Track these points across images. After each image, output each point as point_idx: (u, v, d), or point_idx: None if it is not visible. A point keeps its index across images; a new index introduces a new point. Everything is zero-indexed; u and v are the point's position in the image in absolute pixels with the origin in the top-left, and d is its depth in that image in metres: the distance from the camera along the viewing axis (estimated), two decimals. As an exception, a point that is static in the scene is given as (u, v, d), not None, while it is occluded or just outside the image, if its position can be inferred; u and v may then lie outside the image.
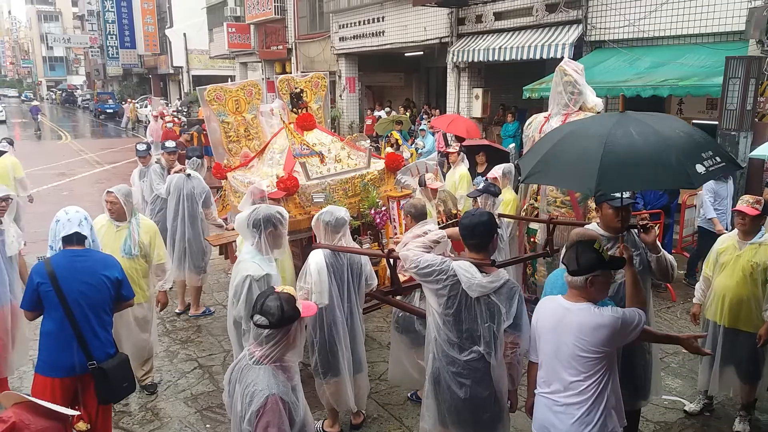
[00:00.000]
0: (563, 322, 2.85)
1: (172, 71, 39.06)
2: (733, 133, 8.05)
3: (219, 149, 5.89)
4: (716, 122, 8.55)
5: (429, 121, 16.14)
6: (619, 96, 10.95)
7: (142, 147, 7.74)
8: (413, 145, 14.03)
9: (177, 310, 6.80)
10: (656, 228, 7.09)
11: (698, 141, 2.97)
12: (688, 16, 10.38)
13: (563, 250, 2.95)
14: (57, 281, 3.48)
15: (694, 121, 11.56)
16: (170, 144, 7.47)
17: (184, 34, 35.45)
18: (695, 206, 8.58)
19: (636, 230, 3.63)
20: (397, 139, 11.87)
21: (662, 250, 3.62)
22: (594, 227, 3.77)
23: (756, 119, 8.18)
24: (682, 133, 2.95)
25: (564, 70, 5.97)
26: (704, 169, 2.81)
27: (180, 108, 26.40)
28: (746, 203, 4.26)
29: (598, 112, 5.94)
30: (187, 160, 6.76)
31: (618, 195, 3.50)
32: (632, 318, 2.84)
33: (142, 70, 47.08)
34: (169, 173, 7.02)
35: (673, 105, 11.70)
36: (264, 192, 4.76)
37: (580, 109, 5.94)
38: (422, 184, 6.15)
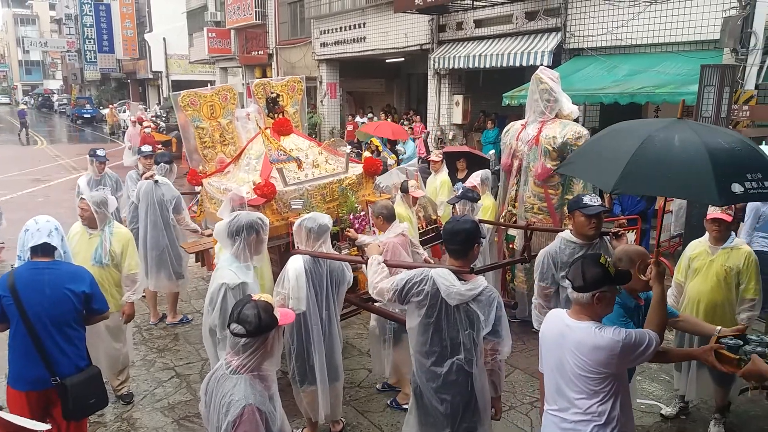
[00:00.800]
0: (564, 339, 2.77)
1: (151, 76, 38.71)
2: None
3: (194, 155, 5.81)
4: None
5: (411, 128, 16.19)
6: (598, 104, 11.09)
7: (102, 152, 7.44)
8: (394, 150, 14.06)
9: (151, 321, 6.69)
10: (633, 233, 7.16)
11: (745, 159, 2.82)
12: (664, 25, 10.54)
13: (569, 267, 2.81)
14: (17, 294, 3.37)
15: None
16: (146, 148, 7.36)
17: (164, 39, 35.15)
18: (671, 212, 8.70)
19: (608, 237, 3.65)
20: (377, 146, 11.87)
21: None
22: (567, 234, 3.79)
23: (730, 126, 8.31)
24: (729, 147, 2.80)
25: (540, 78, 6.02)
26: (742, 189, 2.66)
27: (159, 113, 26.15)
28: (720, 210, 4.31)
29: (575, 120, 6.00)
30: (155, 166, 6.67)
31: (590, 203, 3.52)
32: (640, 341, 2.69)
33: (120, 75, 46.60)
34: None
35: (650, 112, 11.86)
36: (243, 199, 4.71)
37: (557, 116, 6.00)
38: (405, 190, 6.14)
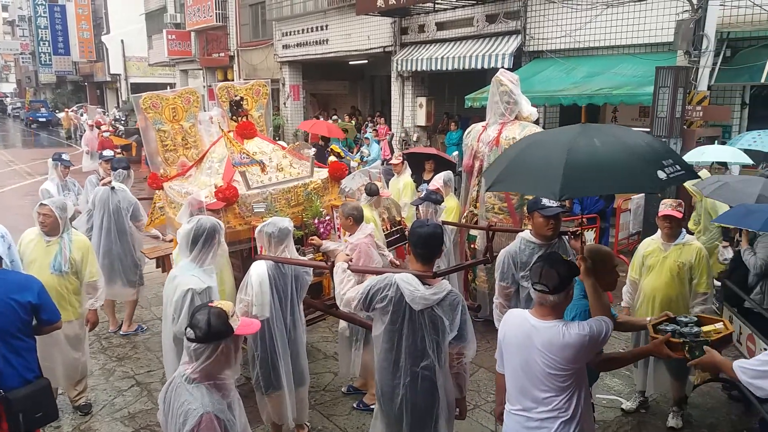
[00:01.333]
0: (531, 340, 2.80)
1: (109, 79, 37.90)
2: (663, 139, 8.38)
3: (155, 159, 5.72)
4: (648, 129, 8.89)
5: (375, 130, 16.22)
6: (557, 105, 11.29)
7: (67, 156, 7.29)
8: (359, 154, 14.06)
9: (110, 330, 6.55)
10: (593, 232, 7.31)
11: (658, 150, 3.07)
12: (620, 28, 10.80)
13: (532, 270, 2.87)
14: None
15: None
16: (108, 153, 7.21)
17: (122, 41, 34.46)
18: (630, 210, 8.92)
19: (566, 237, 3.72)
20: (338, 153, 11.81)
21: None
22: (527, 234, 3.85)
23: (685, 126, 8.56)
24: (643, 143, 3.04)
25: (500, 80, 6.10)
26: (665, 175, 2.88)
27: (118, 116, 25.61)
28: (670, 207, 4.44)
29: (534, 121, 6.09)
30: (112, 172, 6.53)
31: (549, 204, 3.59)
32: (599, 330, 2.78)
33: (77, 78, 45.47)
34: None
35: (608, 113, 12.14)
36: (202, 203, 4.65)
37: (516, 118, 6.09)
38: (371, 192, 6.14)
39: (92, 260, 4.76)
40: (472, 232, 6.62)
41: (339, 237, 5.49)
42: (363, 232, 4.82)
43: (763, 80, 8.80)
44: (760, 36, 9.39)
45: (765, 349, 4.12)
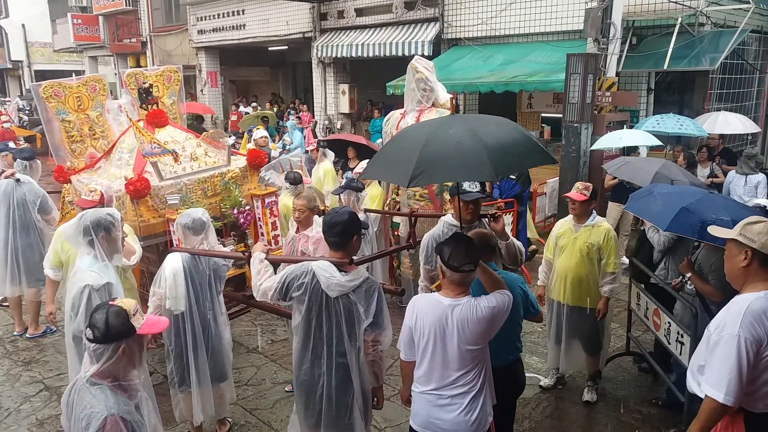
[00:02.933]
0: (446, 320, 2.87)
1: (10, 66, 35.38)
2: (575, 125, 8.71)
3: (60, 151, 5.39)
4: (561, 115, 9.22)
5: (298, 117, 15.99)
6: (476, 92, 11.48)
7: None
8: (281, 141, 13.82)
9: (15, 332, 6.16)
10: (510, 215, 7.51)
11: (512, 139, 3.10)
12: (533, 16, 11.11)
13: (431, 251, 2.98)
14: None
15: (543, 115, 12.43)
16: (1, 144, 6.74)
17: (23, 25, 32.25)
18: (545, 194, 9.24)
19: (486, 219, 3.81)
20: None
21: (510, 237, 3.82)
22: (449, 218, 3.91)
23: (595, 112, 8.92)
24: (499, 130, 3.10)
25: (415, 67, 6.14)
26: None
27: (21, 106, 24.01)
28: (576, 190, 4.62)
29: (449, 108, 6.18)
30: (14, 163, 6.13)
31: (469, 189, 3.66)
32: (503, 301, 2.94)
33: (-26, 65, 42.26)
34: None
35: (524, 100, 12.50)
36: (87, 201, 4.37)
37: (433, 105, 6.15)
38: (294, 181, 6.03)
39: None
40: (396, 219, 6.66)
41: (260, 228, 5.38)
42: (317, 223, 4.62)
43: (666, 67, 9.31)
44: (663, 24, 9.92)
45: (669, 323, 4.37)
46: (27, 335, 6.10)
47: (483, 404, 2.98)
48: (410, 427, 3.11)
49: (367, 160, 6.74)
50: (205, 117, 17.65)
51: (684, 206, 3.72)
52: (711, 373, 2.53)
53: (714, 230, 2.87)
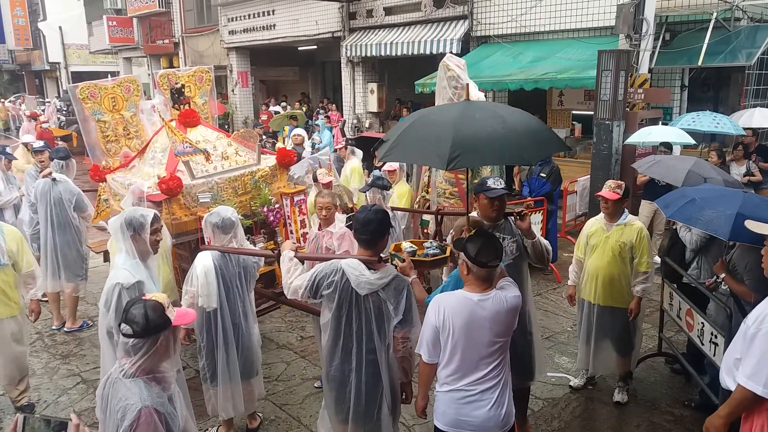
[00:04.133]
0: (477, 316, 2.89)
1: (48, 67, 36.34)
2: (607, 122, 8.60)
3: (96, 150, 5.53)
4: (592, 112, 9.10)
5: (327, 117, 16.08)
6: (505, 90, 11.41)
7: (10, 149, 7.14)
8: (310, 140, 13.92)
9: (54, 326, 6.34)
10: (540, 214, 7.45)
11: (535, 126, 3.32)
12: (564, 12, 10.98)
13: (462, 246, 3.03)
14: None
15: (573, 112, 12.28)
16: (38, 144, 6.94)
17: (60, 28, 33.03)
18: (576, 193, 9.13)
19: (512, 218, 3.79)
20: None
21: (537, 235, 3.80)
22: (473, 216, 3.90)
23: (627, 109, 8.79)
24: (523, 118, 3.31)
25: (447, 65, 6.13)
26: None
27: (59, 106, 24.64)
28: (608, 188, 4.55)
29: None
30: (51, 163, 6.31)
31: (494, 186, 3.64)
32: (518, 291, 3.06)
33: (13, 67, 43.37)
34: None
35: (554, 97, 12.35)
36: (143, 192, 4.52)
37: (464, 102, 6.11)
38: (315, 179, 6.10)
39: (27, 249, 4.63)
40: (425, 217, 6.67)
41: (290, 225, 5.44)
42: (340, 220, 4.72)
43: (700, 63, 9.11)
44: (697, 20, 9.71)
45: (703, 324, 4.29)
46: (65, 329, 6.28)
47: (509, 398, 3.05)
48: (435, 427, 3.10)
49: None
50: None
51: (739, 212, 3.62)
52: (747, 365, 2.54)
53: (751, 225, 2.84)
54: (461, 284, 3.10)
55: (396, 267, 3.32)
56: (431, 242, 4.39)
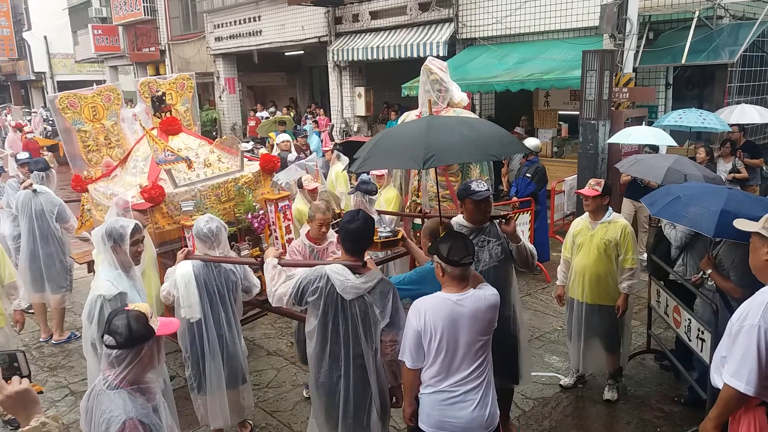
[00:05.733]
0: (458, 316, 2.91)
1: (33, 77, 36.06)
2: (592, 121, 8.61)
3: (77, 160, 5.48)
4: (578, 112, 9.12)
5: (315, 122, 16.05)
6: (491, 91, 11.41)
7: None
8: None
9: (41, 338, 6.28)
10: (528, 215, 7.46)
11: (499, 131, 3.67)
12: (548, 13, 11.02)
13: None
14: None
15: (560, 112, 12.32)
16: (22, 156, 6.88)
17: (45, 37, 32.86)
18: (563, 192, 9.15)
19: (498, 221, 3.78)
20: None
21: (522, 239, 3.79)
22: (459, 219, 3.90)
23: (613, 108, 8.81)
24: (487, 124, 3.79)
25: (429, 68, 6.13)
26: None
27: (45, 116, 24.47)
28: (588, 186, 4.59)
29: (464, 107, 6.15)
30: (31, 174, 6.25)
31: (478, 189, 3.65)
32: (494, 290, 3.10)
33: (-1, 77, 43.16)
34: None
35: (541, 98, 12.39)
36: (128, 203, 4.48)
37: (448, 105, 6.12)
38: (300, 185, 6.08)
39: (7, 261, 4.63)
40: (417, 220, 6.66)
41: (274, 232, 5.40)
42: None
43: (684, 61, 9.17)
44: (680, 18, 9.77)
45: (690, 320, 4.30)
46: (52, 341, 6.22)
47: (492, 398, 3.05)
48: (420, 429, 3.08)
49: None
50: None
51: (723, 208, 3.63)
52: (732, 362, 2.55)
53: (739, 223, 2.86)
54: (425, 280, 3.24)
55: None
56: (384, 226, 4.59)
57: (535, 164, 7.91)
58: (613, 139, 7.89)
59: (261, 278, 5.17)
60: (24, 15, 36.45)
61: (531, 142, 8.44)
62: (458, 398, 2.95)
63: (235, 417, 4.27)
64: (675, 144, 7.82)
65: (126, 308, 2.36)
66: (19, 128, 16.34)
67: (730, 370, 2.54)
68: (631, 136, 7.65)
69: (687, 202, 3.90)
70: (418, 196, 6.60)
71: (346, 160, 8.05)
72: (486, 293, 3.00)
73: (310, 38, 16.08)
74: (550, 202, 8.85)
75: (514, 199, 7.65)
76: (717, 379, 2.66)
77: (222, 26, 19.02)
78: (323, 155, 9.16)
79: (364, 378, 3.20)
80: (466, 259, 2.92)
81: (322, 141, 14.07)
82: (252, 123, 17.89)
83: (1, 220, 6.77)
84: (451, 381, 2.96)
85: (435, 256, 3.01)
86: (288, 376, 5.37)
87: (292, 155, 10.16)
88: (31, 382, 1.87)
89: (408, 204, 6.73)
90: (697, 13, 9.22)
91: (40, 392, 1.93)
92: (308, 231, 4.58)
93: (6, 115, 28.55)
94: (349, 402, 3.21)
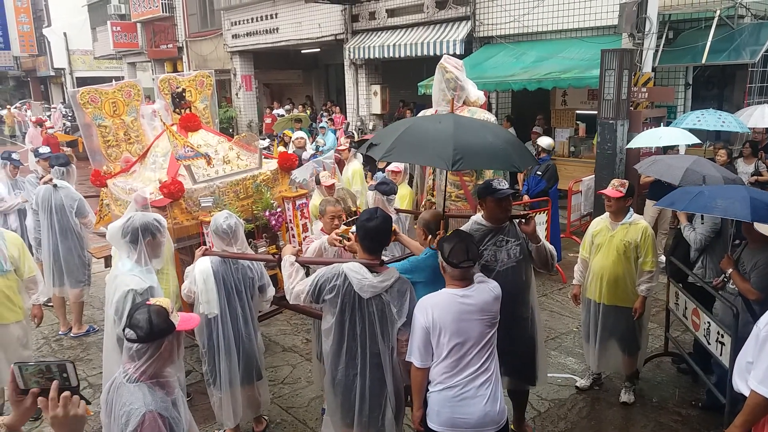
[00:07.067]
0: (466, 312, 2.94)
1: (53, 73, 36.51)
2: (611, 121, 8.55)
3: (96, 155, 5.54)
4: (596, 112, 9.05)
5: (330, 119, 16.07)
6: (508, 90, 11.36)
7: (17, 156, 7.18)
8: (314, 143, 13.91)
9: (60, 332, 6.36)
10: (545, 214, 7.41)
11: (516, 141, 3.85)
12: (567, 12, 10.94)
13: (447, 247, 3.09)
14: None
15: (577, 112, 12.24)
16: (44, 150, 6.95)
17: (65, 34, 33.22)
18: (581, 192, 9.09)
19: (518, 221, 3.76)
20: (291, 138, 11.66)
21: (542, 240, 3.77)
22: (478, 217, 3.88)
23: (631, 108, 8.73)
24: (506, 133, 3.90)
25: (444, 67, 6.09)
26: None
27: (64, 112, 24.75)
28: (612, 187, 4.54)
29: (481, 106, 6.12)
30: (51, 169, 6.32)
31: (500, 187, 3.63)
32: (494, 282, 3.17)
33: (19, 73, 43.60)
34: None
35: (558, 97, 12.30)
36: (147, 199, 4.52)
37: (464, 103, 6.09)
38: (317, 182, 6.08)
39: (28, 255, 4.64)
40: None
41: (291, 230, 5.42)
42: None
43: (704, 61, 9.05)
44: (700, 17, 9.65)
45: (709, 323, 4.25)
46: (71, 334, 6.29)
47: (501, 393, 3.09)
48: (429, 428, 3.08)
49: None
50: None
51: (751, 196, 3.59)
52: (759, 368, 2.51)
53: (761, 227, 2.83)
54: (418, 269, 3.42)
55: (344, 247, 3.55)
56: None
57: (546, 162, 7.89)
58: (639, 143, 7.79)
59: (278, 275, 5.22)
60: (44, 11, 36.92)
61: (544, 141, 8.39)
62: (469, 393, 2.96)
63: (251, 412, 4.30)
64: (698, 141, 7.73)
65: (148, 302, 2.38)
66: (39, 123, 16.50)
67: (757, 376, 2.49)
68: (661, 138, 7.55)
69: (712, 196, 3.84)
70: (432, 195, 6.58)
71: (361, 157, 8.05)
72: (490, 285, 3.09)
73: (326, 36, 16.10)
74: (564, 202, 8.80)
75: (525, 198, 7.61)
76: (741, 385, 2.62)
77: (239, 23, 19.10)
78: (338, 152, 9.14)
79: (380, 376, 3.20)
80: (464, 263, 2.98)
81: (337, 139, 14.12)
82: (268, 120, 17.96)
83: (27, 213, 6.86)
84: (462, 375, 2.97)
85: (439, 253, 3.10)
86: (303, 373, 5.38)
87: (307, 153, 10.19)
88: (78, 393, 1.89)
89: (423, 203, 6.71)
90: (718, 12, 9.10)
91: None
92: (321, 227, 4.59)
93: (26, 111, 28.94)
94: (365, 400, 3.21)
